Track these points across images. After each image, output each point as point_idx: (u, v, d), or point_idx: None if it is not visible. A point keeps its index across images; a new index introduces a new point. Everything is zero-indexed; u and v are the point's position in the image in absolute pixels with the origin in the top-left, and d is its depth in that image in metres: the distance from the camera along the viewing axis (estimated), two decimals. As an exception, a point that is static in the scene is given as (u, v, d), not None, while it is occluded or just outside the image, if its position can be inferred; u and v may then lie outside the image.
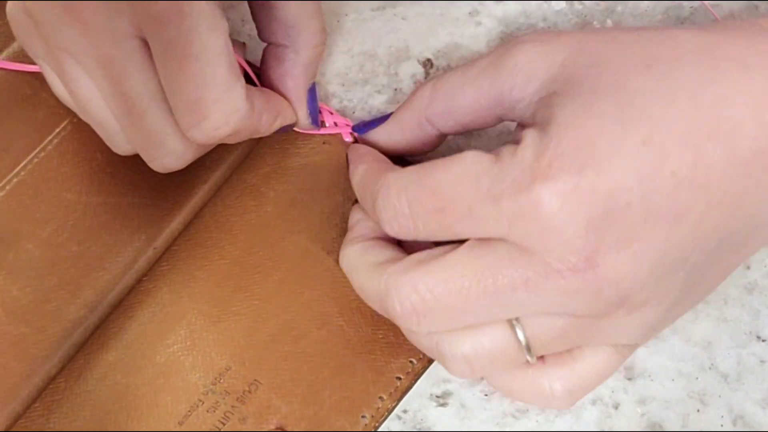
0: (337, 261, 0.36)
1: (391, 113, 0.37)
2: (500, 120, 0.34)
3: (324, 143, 0.39)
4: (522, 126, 0.32)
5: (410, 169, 0.31)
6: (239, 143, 0.38)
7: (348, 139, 0.39)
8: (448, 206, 0.30)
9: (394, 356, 0.36)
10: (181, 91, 0.32)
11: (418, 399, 0.36)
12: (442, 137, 0.37)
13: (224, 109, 0.32)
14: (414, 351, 0.35)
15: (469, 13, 0.44)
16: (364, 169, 0.35)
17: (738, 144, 0.29)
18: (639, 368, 0.37)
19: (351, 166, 0.36)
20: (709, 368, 0.36)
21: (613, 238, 0.29)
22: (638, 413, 0.36)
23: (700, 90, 0.29)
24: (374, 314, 0.36)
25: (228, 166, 0.39)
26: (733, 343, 0.37)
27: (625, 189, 0.28)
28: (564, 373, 0.33)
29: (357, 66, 0.43)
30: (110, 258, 0.37)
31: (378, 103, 0.42)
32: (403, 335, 0.34)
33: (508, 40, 0.33)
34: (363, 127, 0.39)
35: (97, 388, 0.35)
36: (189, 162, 0.36)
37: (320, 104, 0.40)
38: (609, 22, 0.44)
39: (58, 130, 0.39)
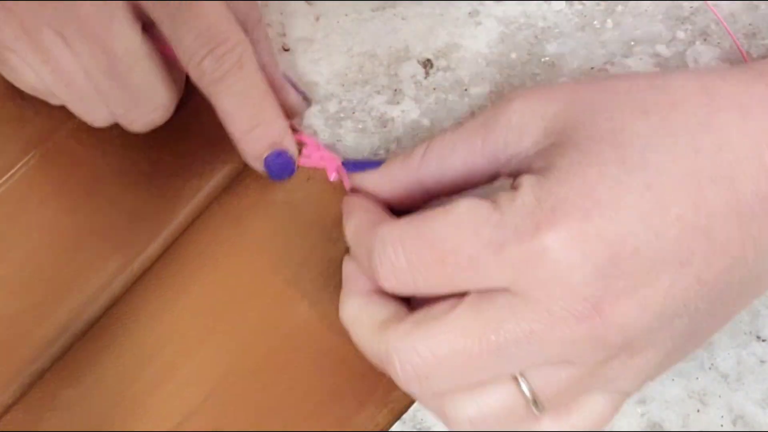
0: (309, 304, 0.36)
1: (382, 161, 0.36)
2: (494, 177, 0.33)
3: (308, 180, 0.39)
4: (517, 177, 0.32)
5: (405, 221, 0.31)
6: (220, 170, 0.38)
7: (333, 177, 0.38)
8: (448, 257, 0.29)
9: (362, 406, 0.35)
10: (190, 25, 0.33)
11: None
12: (429, 199, 0.35)
13: (232, 38, 0.34)
14: (383, 403, 0.35)
15: (469, 13, 0.44)
16: (357, 221, 0.34)
17: (739, 188, 0.29)
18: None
19: (344, 218, 0.35)
20: (709, 368, 0.36)
21: (620, 284, 0.28)
22: (638, 413, 0.36)
23: (699, 135, 0.29)
24: (342, 363, 0.35)
25: (208, 193, 0.38)
26: (733, 343, 0.37)
27: (631, 234, 0.28)
28: (561, 425, 0.32)
29: (357, 66, 0.43)
30: (85, 279, 0.36)
31: (378, 103, 0.42)
32: (371, 387, 0.34)
33: (498, 99, 0.32)
34: (352, 165, 0.38)
35: (56, 424, 0.33)
36: (171, 113, 0.36)
37: (308, 138, 0.39)
38: (609, 22, 0.44)
39: (38, 148, 0.39)
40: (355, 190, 0.37)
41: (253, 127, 0.35)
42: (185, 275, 0.37)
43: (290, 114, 0.38)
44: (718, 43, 0.43)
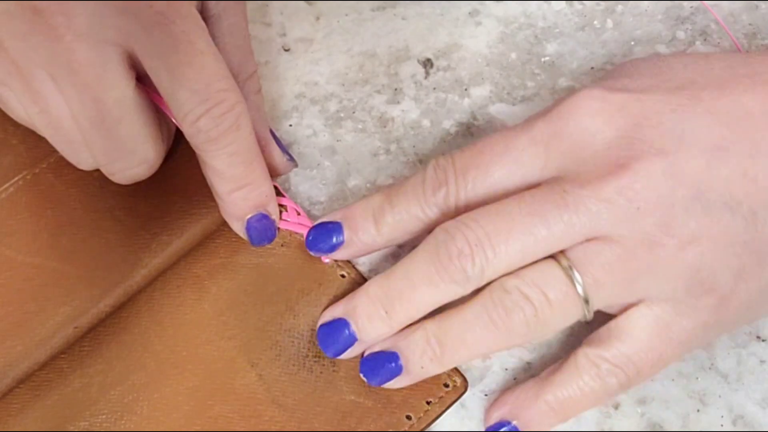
0: (259, 375, 0.35)
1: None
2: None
3: (282, 245, 0.37)
4: None
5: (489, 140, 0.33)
6: (193, 227, 0.37)
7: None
8: (485, 149, 0.32)
9: None
10: (186, 83, 0.32)
11: (417, 399, 0.36)
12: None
13: (231, 97, 0.33)
14: None
15: (469, 13, 0.44)
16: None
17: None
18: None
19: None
20: (709, 368, 0.36)
21: (646, 147, 0.29)
22: (638, 413, 0.36)
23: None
24: None
25: (173, 251, 0.37)
26: (733, 343, 0.37)
27: (659, 110, 0.30)
28: (613, 344, 0.32)
29: (357, 66, 0.43)
30: (29, 328, 0.35)
31: (378, 102, 0.42)
32: None
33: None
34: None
35: None
36: (155, 170, 0.36)
37: (289, 201, 0.38)
38: (609, 22, 0.44)
39: (15, 179, 0.38)
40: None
41: (240, 187, 0.35)
42: (134, 334, 0.35)
43: (273, 173, 0.38)
44: (718, 43, 0.43)
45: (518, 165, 0.32)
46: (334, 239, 0.35)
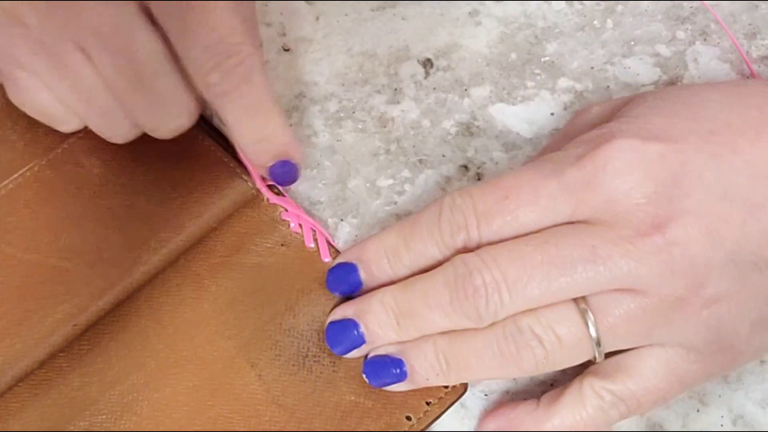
0: (259, 375, 0.35)
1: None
2: None
3: (282, 245, 0.37)
4: None
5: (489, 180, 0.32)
6: (193, 224, 0.37)
7: (310, 245, 0.37)
8: (511, 192, 0.30)
9: None
10: (198, 37, 0.32)
11: (417, 399, 0.36)
12: None
13: (241, 50, 0.33)
14: None
15: (469, 13, 0.44)
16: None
17: None
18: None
19: None
20: (709, 368, 0.36)
21: (684, 205, 0.28)
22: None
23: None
24: None
25: (173, 249, 0.37)
26: (733, 343, 0.37)
27: (695, 161, 0.28)
28: (617, 385, 0.32)
29: (357, 66, 0.43)
30: (28, 326, 0.35)
31: (378, 102, 0.42)
32: None
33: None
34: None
35: None
36: (196, 118, 0.36)
37: (290, 202, 0.38)
38: (609, 22, 0.44)
39: (15, 176, 0.38)
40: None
41: (258, 139, 0.35)
42: (133, 333, 0.35)
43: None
44: (718, 42, 0.43)
45: (547, 212, 0.31)
46: (352, 281, 0.35)
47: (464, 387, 0.35)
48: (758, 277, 0.29)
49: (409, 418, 0.34)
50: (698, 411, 0.36)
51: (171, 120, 0.35)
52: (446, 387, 0.35)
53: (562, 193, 0.29)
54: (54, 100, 0.35)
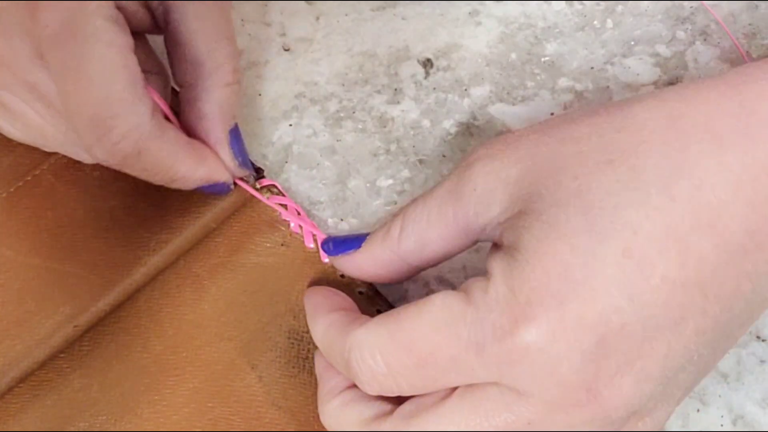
0: (259, 377, 0.34)
1: (364, 236, 0.34)
2: (475, 242, 0.32)
3: (282, 245, 0.37)
4: (495, 245, 0.30)
5: (378, 323, 0.29)
6: (192, 224, 0.37)
7: (310, 245, 0.37)
8: (429, 360, 0.28)
9: None
10: (76, 110, 0.31)
11: (417, 399, 0.36)
12: (416, 271, 0.34)
13: (122, 124, 0.31)
14: None
15: (469, 13, 0.44)
16: (324, 325, 0.32)
17: (726, 229, 0.27)
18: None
19: (309, 319, 0.34)
20: (709, 368, 0.36)
21: (613, 364, 0.27)
22: (638, 413, 0.36)
23: (672, 180, 0.27)
24: None
25: (173, 250, 0.37)
26: (733, 343, 0.37)
27: (615, 310, 0.26)
28: None
29: (357, 66, 0.43)
30: (28, 327, 0.35)
31: (378, 102, 0.42)
32: None
33: (462, 158, 0.31)
34: (333, 248, 0.35)
35: None
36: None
37: (289, 201, 0.38)
38: (609, 22, 0.44)
39: (16, 180, 0.38)
40: (315, 284, 0.36)
41: (171, 181, 0.34)
42: (133, 334, 0.35)
43: (219, 184, 0.37)
44: (718, 43, 0.43)
45: (469, 379, 0.29)
46: None
47: None
48: (683, 376, 0.29)
49: None
50: (698, 411, 0.36)
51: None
52: None
53: (484, 367, 0.27)
54: (18, 133, 0.35)
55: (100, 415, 0.34)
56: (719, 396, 0.36)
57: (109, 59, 0.31)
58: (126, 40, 0.31)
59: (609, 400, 0.27)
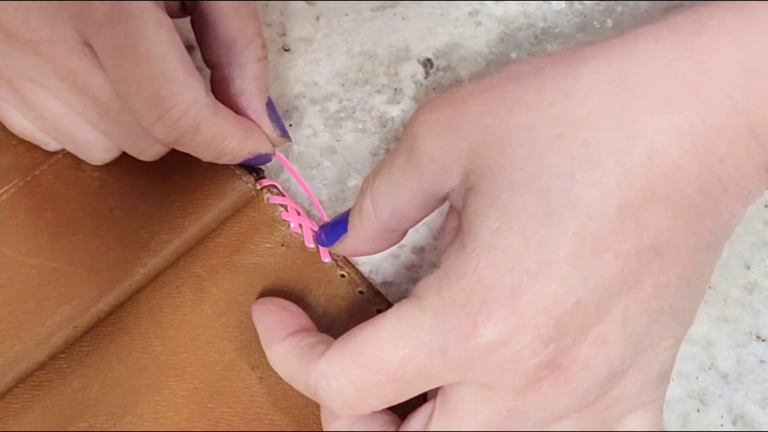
0: (260, 378, 0.34)
1: (347, 213, 0.34)
2: (445, 202, 0.32)
3: (282, 245, 0.37)
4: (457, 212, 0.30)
5: (339, 351, 0.29)
6: (192, 225, 0.37)
7: (310, 245, 0.37)
8: (397, 374, 0.28)
9: None
10: (135, 90, 0.31)
11: (417, 399, 0.36)
12: (404, 232, 0.34)
13: (182, 101, 0.32)
14: None
15: (469, 13, 0.44)
16: (282, 353, 0.32)
17: (681, 194, 0.27)
18: None
19: (263, 343, 0.33)
20: (709, 368, 0.36)
21: (570, 338, 0.27)
22: (638, 413, 0.36)
23: (625, 151, 0.27)
24: None
25: (173, 250, 0.37)
26: (733, 343, 0.37)
27: (569, 291, 0.27)
28: None
29: (357, 66, 0.43)
30: (28, 328, 0.34)
31: (378, 102, 0.42)
32: None
33: (410, 118, 0.31)
34: (326, 239, 0.36)
35: None
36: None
37: (290, 201, 0.38)
38: (609, 22, 0.44)
39: (16, 180, 0.38)
40: (272, 294, 0.36)
41: (220, 157, 0.35)
42: (133, 335, 0.35)
43: (263, 155, 0.37)
44: (718, 43, 0.43)
45: (437, 384, 0.29)
46: None
47: None
48: (656, 326, 0.29)
49: None
50: (698, 411, 0.36)
51: (147, 148, 0.35)
52: None
53: (451, 369, 0.28)
54: (28, 125, 0.36)
55: (100, 416, 0.34)
56: (719, 396, 0.36)
57: (161, 38, 0.31)
58: (170, 21, 0.32)
59: (571, 369, 0.28)
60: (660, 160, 0.27)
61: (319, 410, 0.34)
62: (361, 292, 0.37)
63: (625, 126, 0.27)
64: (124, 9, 0.31)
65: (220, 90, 0.36)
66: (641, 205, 0.27)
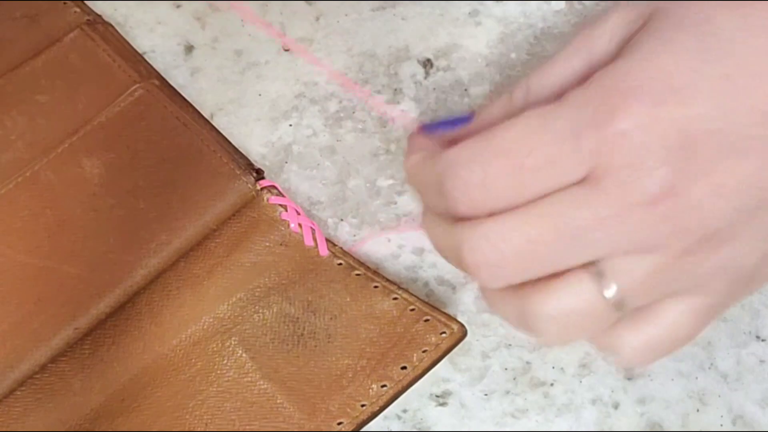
0: (268, 377, 0.34)
1: (471, 114, 0.33)
2: None
3: (281, 245, 0.37)
4: None
5: (472, 140, 0.29)
6: (192, 226, 0.37)
7: (310, 243, 0.37)
8: (526, 161, 0.28)
9: None
10: None
11: (417, 399, 0.36)
12: None
13: None
14: None
15: (469, 13, 0.44)
16: (419, 154, 0.32)
17: None
18: (638, 368, 0.37)
19: (407, 153, 0.32)
20: (709, 368, 0.36)
21: (694, 168, 0.28)
22: (638, 413, 0.36)
23: None
24: (288, 425, 0.34)
25: (173, 251, 0.37)
26: (732, 342, 0.37)
27: (705, 118, 0.28)
28: (638, 333, 0.31)
29: (357, 66, 0.43)
30: (29, 329, 0.34)
31: (378, 102, 0.42)
32: None
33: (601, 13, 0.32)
34: (435, 125, 0.34)
35: None
36: None
37: (289, 201, 0.38)
38: (609, 22, 0.44)
39: (15, 176, 0.37)
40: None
41: None
42: (134, 336, 0.35)
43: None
44: (718, 43, 0.43)
45: (561, 179, 0.29)
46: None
47: (462, 331, 0.35)
48: (764, 215, 0.30)
49: (404, 368, 0.34)
50: (698, 411, 0.36)
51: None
52: (443, 333, 0.35)
53: (579, 157, 0.28)
54: None
55: (101, 417, 0.34)
56: (719, 396, 0.36)
57: None
58: None
59: (686, 200, 0.28)
60: None
61: (323, 401, 0.34)
62: (358, 274, 0.37)
63: None
64: None
65: None
66: None
